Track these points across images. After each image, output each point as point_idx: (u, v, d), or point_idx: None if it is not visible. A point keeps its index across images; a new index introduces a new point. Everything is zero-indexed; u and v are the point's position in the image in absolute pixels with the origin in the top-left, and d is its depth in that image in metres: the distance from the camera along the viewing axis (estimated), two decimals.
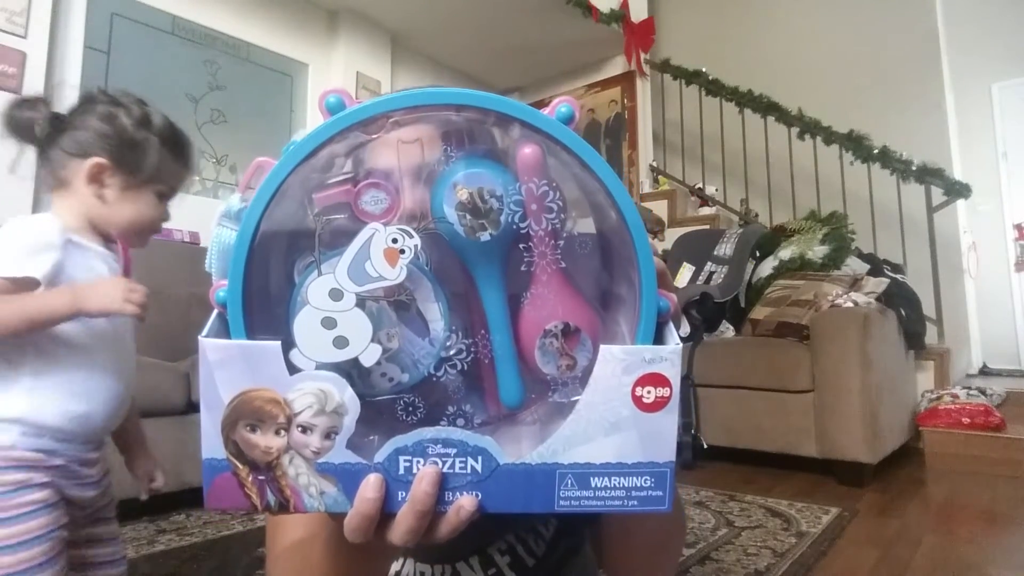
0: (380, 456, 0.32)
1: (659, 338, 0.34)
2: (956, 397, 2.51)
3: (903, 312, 2.46)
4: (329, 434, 0.32)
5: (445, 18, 3.62)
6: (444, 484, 0.33)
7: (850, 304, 2.32)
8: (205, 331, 0.32)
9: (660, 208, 3.82)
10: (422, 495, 0.32)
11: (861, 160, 3.20)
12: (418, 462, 0.32)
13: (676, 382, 0.33)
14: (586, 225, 0.36)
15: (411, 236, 0.32)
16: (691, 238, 3.15)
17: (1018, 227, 3.83)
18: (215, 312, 0.33)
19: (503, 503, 0.33)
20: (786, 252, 2.82)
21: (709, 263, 2.90)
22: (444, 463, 0.33)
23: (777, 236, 2.97)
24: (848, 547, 1.51)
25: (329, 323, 0.32)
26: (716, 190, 3.90)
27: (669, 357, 0.33)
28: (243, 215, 0.32)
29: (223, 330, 0.33)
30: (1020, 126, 3.83)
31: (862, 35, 3.93)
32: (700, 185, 3.92)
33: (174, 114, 0.92)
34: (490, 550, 0.57)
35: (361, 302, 0.33)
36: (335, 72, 3.52)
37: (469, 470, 0.33)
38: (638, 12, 4.15)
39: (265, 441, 0.32)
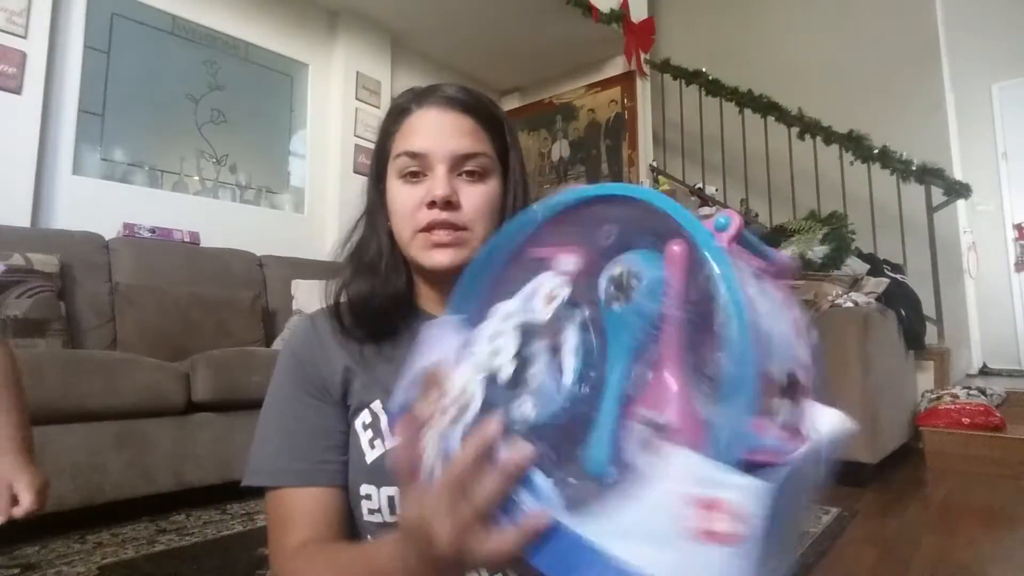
0: None
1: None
2: (956, 397, 2.51)
3: (903, 312, 2.46)
4: (454, 421, 0.37)
5: (445, 18, 3.62)
6: (511, 521, 0.35)
7: (850, 304, 2.32)
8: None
9: None
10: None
11: (861, 160, 3.20)
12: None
13: (752, 521, 0.28)
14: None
15: (566, 288, 0.39)
16: None
17: (1018, 227, 3.83)
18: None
19: (547, 562, 0.34)
20: (786, 252, 2.82)
21: None
22: (518, 496, 0.35)
23: (777, 236, 2.97)
24: (848, 547, 1.51)
25: (495, 335, 0.39)
26: (716, 190, 3.90)
27: (744, 488, 0.29)
28: (486, 250, 0.44)
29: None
30: (1020, 126, 3.83)
31: (862, 35, 3.93)
32: (700, 185, 3.92)
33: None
34: None
35: (521, 330, 0.39)
36: (335, 72, 3.52)
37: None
38: (638, 12, 4.15)
39: (422, 407, 0.38)
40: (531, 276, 0.41)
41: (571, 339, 0.38)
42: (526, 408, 0.37)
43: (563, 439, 0.36)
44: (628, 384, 0.35)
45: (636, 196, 0.37)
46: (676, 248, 0.34)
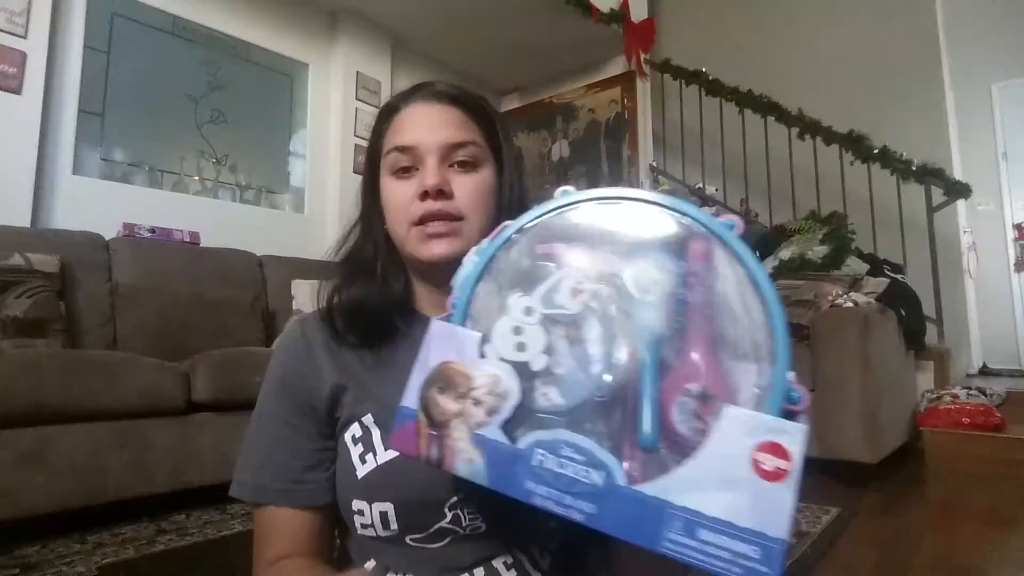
0: (522, 444, 0.39)
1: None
2: (956, 397, 2.51)
3: (903, 312, 2.46)
4: (491, 412, 0.40)
5: (445, 18, 3.62)
6: (568, 488, 0.38)
7: (850, 304, 2.32)
8: (439, 317, 0.44)
9: None
10: None
11: (861, 160, 3.20)
12: (551, 457, 0.38)
13: (797, 460, 0.35)
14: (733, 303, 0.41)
15: (591, 283, 0.41)
16: None
17: (1018, 227, 3.83)
18: (448, 312, 0.45)
19: (612, 524, 0.37)
20: (786, 252, 2.82)
21: None
22: (570, 467, 0.38)
23: (777, 236, 2.97)
24: (848, 547, 1.51)
25: (518, 330, 0.42)
26: (716, 190, 3.89)
27: (792, 432, 0.35)
28: (480, 252, 0.45)
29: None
30: (1020, 126, 3.83)
31: (862, 35, 3.93)
32: (700, 185, 3.92)
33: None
34: (495, 562, 0.55)
35: (545, 323, 0.41)
36: (335, 72, 3.53)
37: (590, 481, 0.37)
38: (638, 12, 4.15)
39: (445, 403, 0.41)
40: (536, 269, 0.43)
41: (594, 329, 0.41)
42: (552, 395, 0.40)
43: (608, 416, 0.39)
44: (661, 363, 0.39)
45: (662, 203, 0.43)
46: (698, 246, 0.41)
